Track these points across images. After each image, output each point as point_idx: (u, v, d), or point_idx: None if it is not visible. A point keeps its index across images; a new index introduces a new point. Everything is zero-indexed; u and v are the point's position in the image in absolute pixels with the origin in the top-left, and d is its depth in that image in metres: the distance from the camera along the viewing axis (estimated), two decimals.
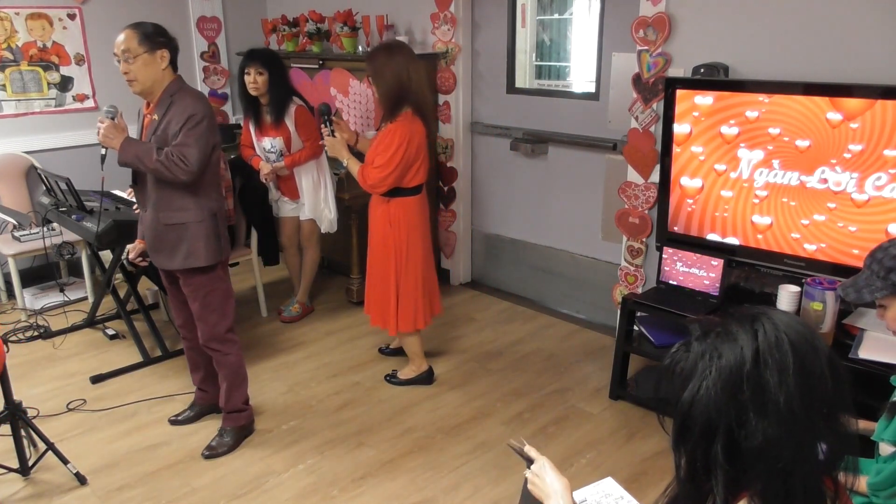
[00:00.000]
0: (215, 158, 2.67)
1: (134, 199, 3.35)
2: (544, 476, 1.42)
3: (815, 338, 1.06)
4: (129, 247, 2.94)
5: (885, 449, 1.75)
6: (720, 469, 1.03)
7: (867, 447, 1.83)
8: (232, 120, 5.35)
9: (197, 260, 2.66)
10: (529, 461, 1.49)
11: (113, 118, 2.56)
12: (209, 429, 3.02)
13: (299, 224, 4.07)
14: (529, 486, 1.44)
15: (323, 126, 3.14)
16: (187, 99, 2.55)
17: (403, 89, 2.97)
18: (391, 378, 3.45)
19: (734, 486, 1.05)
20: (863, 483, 1.74)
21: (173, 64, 2.59)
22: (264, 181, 3.86)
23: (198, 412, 3.12)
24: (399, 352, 3.63)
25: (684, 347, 1.11)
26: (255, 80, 3.65)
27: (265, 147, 3.84)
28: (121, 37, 2.50)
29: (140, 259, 2.97)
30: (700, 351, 1.07)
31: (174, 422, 3.10)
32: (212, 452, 2.87)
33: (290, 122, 3.75)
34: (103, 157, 2.65)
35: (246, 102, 3.81)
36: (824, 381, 1.03)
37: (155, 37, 2.53)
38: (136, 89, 2.56)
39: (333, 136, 3.13)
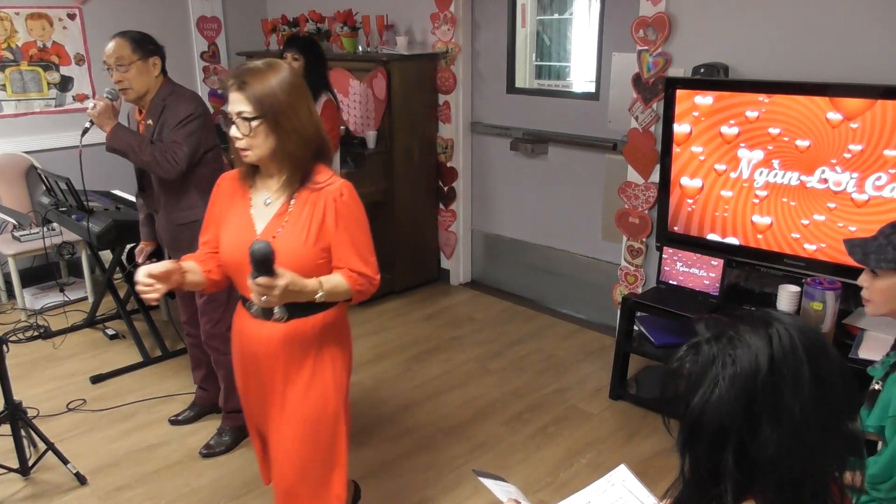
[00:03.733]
0: (212, 157, 2.71)
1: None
2: None
3: (826, 344, 1.03)
4: (136, 251, 2.96)
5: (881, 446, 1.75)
6: (730, 477, 1.00)
7: (871, 449, 1.83)
8: None
9: None
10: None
11: (112, 101, 2.60)
12: (209, 429, 3.02)
13: None
14: None
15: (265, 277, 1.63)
16: (181, 103, 2.61)
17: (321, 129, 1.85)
18: None
19: (742, 492, 1.02)
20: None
21: (163, 70, 2.65)
22: None
23: (198, 412, 3.12)
24: None
25: (693, 350, 1.06)
26: (290, 65, 3.71)
27: None
28: (111, 45, 2.55)
29: (150, 262, 2.96)
30: (711, 355, 1.02)
31: (174, 422, 3.10)
32: (209, 451, 2.87)
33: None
34: (86, 130, 2.70)
35: None
36: (837, 390, 1.00)
37: (145, 44, 2.59)
38: (131, 97, 2.62)
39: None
